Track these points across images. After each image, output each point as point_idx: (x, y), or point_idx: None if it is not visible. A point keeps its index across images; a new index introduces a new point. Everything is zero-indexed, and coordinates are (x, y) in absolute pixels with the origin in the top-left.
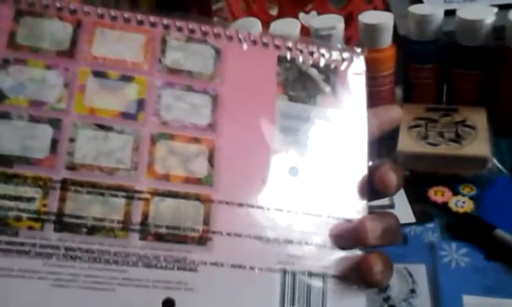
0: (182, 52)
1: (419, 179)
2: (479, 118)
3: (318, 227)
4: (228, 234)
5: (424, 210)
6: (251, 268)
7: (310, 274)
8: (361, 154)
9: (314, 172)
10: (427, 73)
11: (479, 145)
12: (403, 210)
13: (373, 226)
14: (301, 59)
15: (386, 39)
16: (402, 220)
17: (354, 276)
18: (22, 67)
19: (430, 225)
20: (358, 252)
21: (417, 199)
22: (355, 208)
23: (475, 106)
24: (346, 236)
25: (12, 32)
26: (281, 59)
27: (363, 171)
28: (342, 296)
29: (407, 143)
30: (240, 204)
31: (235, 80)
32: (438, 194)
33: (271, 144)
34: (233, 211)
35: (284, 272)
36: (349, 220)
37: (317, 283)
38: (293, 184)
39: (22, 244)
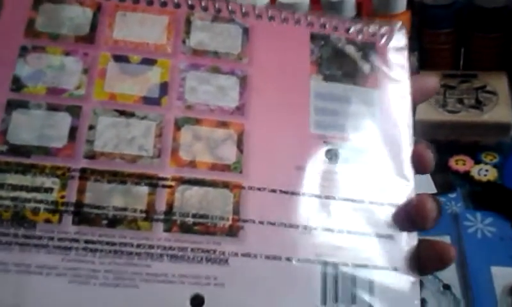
0: (208, 32)
1: (439, 148)
2: (499, 83)
3: (360, 214)
4: (261, 222)
5: (446, 180)
6: (288, 259)
7: (354, 266)
8: (405, 134)
9: (354, 155)
10: (443, 38)
11: (500, 111)
12: (424, 181)
13: (432, 206)
14: (336, 35)
15: (401, 5)
16: (424, 192)
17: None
18: (41, 54)
19: (452, 195)
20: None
21: (438, 169)
22: (400, 191)
23: (495, 71)
24: (401, 220)
25: (31, 19)
26: (314, 37)
27: (407, 152)
28: (391, 289)
29: (425, 111)
30: (273, 191)
31: (264, 60)
32: (460, 163)
33: (305, 127)
34: (266, 198)
35: (325, 263)
36: (394, 205)
37: (362, 275)
38: (331, 168)
39: (40, 237)
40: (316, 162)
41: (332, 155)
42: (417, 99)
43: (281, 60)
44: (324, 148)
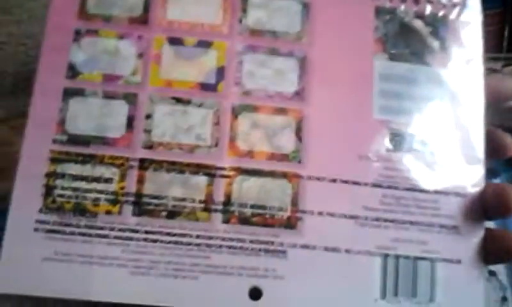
0: (265, 9)
1: None
2: None
3: (424, 204)
4: (320, 213)
5: (489, 165)
6: (347, 251)
7: (416, 258)
8: (477, 118)
9: (420, 142)
10: (489, 19)
11: None
12: None
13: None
14: (403, 8)
15: None
16: None
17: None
18: (95, 38)
19: (496, 180)
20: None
21: None
22: (469, 180)
23: None
24: (469, 210)
25: (83, 1)
26: (379, 11)
27: (479, 138)
28: (455, 282)
29: None
30: (333, 180)
31: (325, 38)
32: None
33: (369, 112)
34: (325, 188)
35: (385, 256)
36: (462, 195)
37: (424, 268)
38: (395, 156)
39: (101, 228)
40: (379, 150)
41: (397, 142)
42: (493, 102)
43: (343, 38)
44: (389, 135)
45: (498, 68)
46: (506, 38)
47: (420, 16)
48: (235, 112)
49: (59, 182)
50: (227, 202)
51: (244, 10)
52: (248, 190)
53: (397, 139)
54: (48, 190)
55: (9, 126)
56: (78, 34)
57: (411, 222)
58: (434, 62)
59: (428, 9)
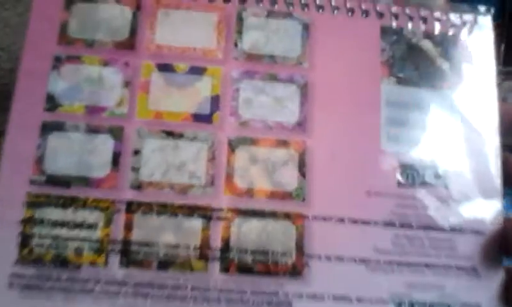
0: (262, 31)
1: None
2: None
3: (440, 244)
4: (328, 258)
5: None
6: (358, 299)
7: (433, 305)
8: (492, 145)
9: (434, 175)
10: None
11: None
12: None
13: None
14: (410, 28)
15: None
16: None
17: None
18: (76, 65)
19: None
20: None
21: None
22: (487, 215)
23: None
24: (488, 249)
25: (63, 23)
26: (385, 31)
27: (496, 166)
28: None
29: None
30: (341, 220)
31: (328, 62)
32: None
33: (377, 142)
34: (333, 228)
35: (399, 304)
36: (479, 232)
37: None
38: (406, 192)
39: (85, 281)
40: (390, 185)
41: (408, 176)
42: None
43: (347, 62)
44: (399, 168)
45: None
46: (503, 52)
47: (428, 36)
48: (232, 146)
49: (36, 229)
50: (225, 248)
51: (240, 32)
52: (248, 233)
53: (409, 171)
54: (25, 239)
55: None
56: (58, 61)
57: (426, 265)
58: (444, 85)
59: (437, 28)
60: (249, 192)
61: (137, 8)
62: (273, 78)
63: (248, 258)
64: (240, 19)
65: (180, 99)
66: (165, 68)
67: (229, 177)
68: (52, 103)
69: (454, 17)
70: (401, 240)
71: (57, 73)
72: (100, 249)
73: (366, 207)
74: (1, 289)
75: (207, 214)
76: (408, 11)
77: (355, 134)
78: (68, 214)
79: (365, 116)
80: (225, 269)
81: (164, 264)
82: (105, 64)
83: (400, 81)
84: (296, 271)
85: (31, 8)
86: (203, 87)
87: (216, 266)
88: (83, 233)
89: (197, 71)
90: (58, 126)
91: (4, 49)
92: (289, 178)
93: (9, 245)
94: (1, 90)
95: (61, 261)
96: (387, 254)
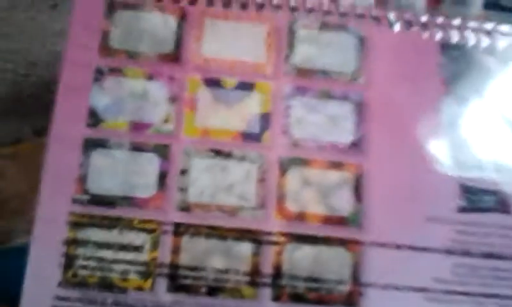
0: (315, 44)
1: None
2: None
3: (504, 274)
4: (384, 287)
5: None
6: None
7: None
8: None
9: (497, 200)
10: None
11: None
12: None
13: None
14: (472, 43)
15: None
16: None
17: None
18: (120, 78)
19: None
20: None
21: None
22: None
23: None
24: None
25: (104, 32)
26: (445, 46)
27: None
28: None
29: None
30: (398, 247)
31: (385, 79)
32: None
33: (436, 166)
34: (390, 256)
35: None
36: None
37: None
38: (469, 218)
39: (131, 305)
40: (450, 210)
41: (470, 201)
42: None
43: (406, 78)
44: (460, 192)
45: None
46: None
47: (491, 51)
48: (283, 167)
49: (81, 251)
50: (277, 275)
51: (291, 46)
52: (301, 260)
53: (470, 196)
54: (69, 260)
55: (0, 155)
56: (100, 73)
57: (488, 296)
58: (509, 105)
59: (501, 43)
60: (302, 216)
61: (182, 18)
62: (326, 95)
63: (301, 286)
64: (291, 31)
65: (228, 116)
66: (212, 83)
67: (280, 200)
68: (94, 118)
69: None
70: (461, 269)
71: (99, 87)
72: (147, 272)
73: (425, 233)
74: None
75: (257, 238)
76: (470, 24)
77: (414, 156)
78: (113, 235)
79: (425, 137)
80: (277, 297)
81: (213, 290)
82: (150, 78)
83: (461, 100)
84: (351, 300)
85: (71, 16)
86: (253, 104)
87: (266, 293)
88: (129, 256)
89: (246, 86)
90: (101, 143)
91: (19, 53)
92: (344, 202)
93: (53, 267)
94: (16, 95)
95: (107, 285)
96: (446, 284)
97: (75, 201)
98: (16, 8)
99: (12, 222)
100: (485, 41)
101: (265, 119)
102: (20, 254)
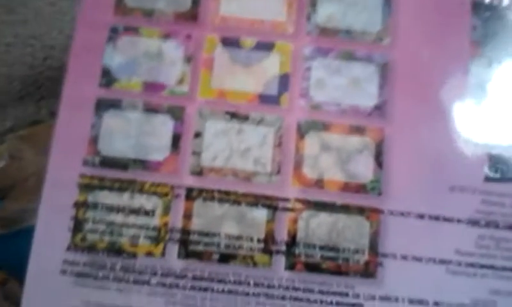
0: (339, 3)
1: None
2: None
3: None
4: (404, 257)
5: None
6: (436, 304)
7: None
8: None
9: None
10: None
11: None
12: None
13: None
14: (506, 3)
15: None
16: None
17: None
18: (134, 38)
19: None
20: None
21: None
22: None
23: None
24: None
25: None
26: (477, 6)
27: None
28: None
29: None
30: (421, 216)
31: (412, 40)
32: None
33: (464, 133)
34: (411, 225)
35: None
36: None
37: None
38: (495, 188)
39: (140, 272)
40: (476, 180)
41: (498, 170)
42: None
43: (434, 40)
44: (488, 161)
45: None
46: None
47: None
48: (302, 131)
49: (90, 214)
50: (291, 243)
51: (314, 4)
52: (317, 228)
53: (498, 165)
54: (78, 224)
55: (18, 136)
56: (114, 33)
57: None
58: None
59: None
60: (319, 183)
61: None
62: (349, 56)
63: (316, 255)
64: None
65: (246, 78)
66: (230, 42)
67: (297, 165)
68: (107, 78)
69: None
70: (486, 241)
71: (113, 46)
72: (158, 238)
73: (449, 203)
74: (54, 275)
75: (272, 204)
76: None
77: (440, 122)
78: (124, 199)
79: (452, 102)
80: (291, 266)
81: (226, 257)
82: (166, 37)
83: (492, 62)
84: (368, 271)
85: None
86: (271, 65)
87: (281, 261)
88: (140, 220)
89: (265, 47)
90: (114, 104)
91: (37, 38)
92: (364, 169)
93: (62, 230)
94: (34, 78)
95: (116, 250)
96: (470, 256)
97: (86, 162)
98: None
99: (29, 203)
100: None
101: (284, 81)
102: None
